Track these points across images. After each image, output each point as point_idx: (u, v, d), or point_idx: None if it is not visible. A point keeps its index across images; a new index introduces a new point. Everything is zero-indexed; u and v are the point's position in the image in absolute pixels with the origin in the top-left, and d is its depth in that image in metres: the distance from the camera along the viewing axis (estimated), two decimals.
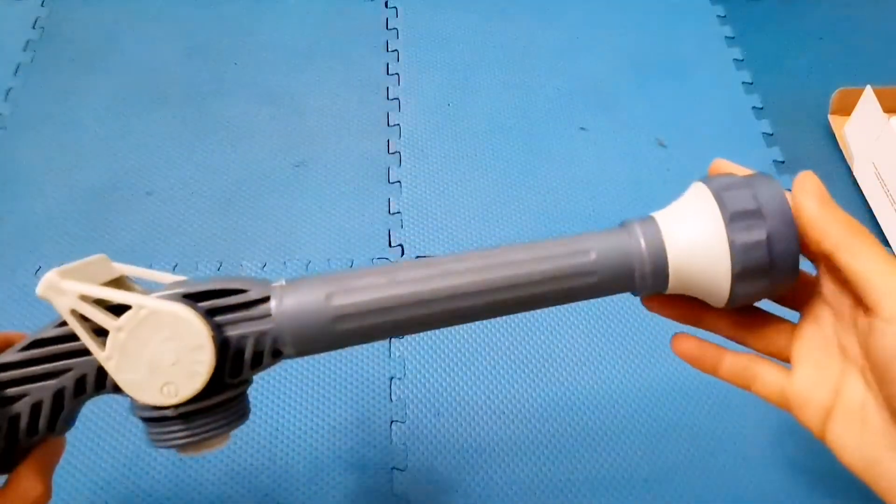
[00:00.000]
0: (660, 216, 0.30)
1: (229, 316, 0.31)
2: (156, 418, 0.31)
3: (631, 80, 0.69)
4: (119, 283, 0.34)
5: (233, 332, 0.31)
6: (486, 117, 0.67)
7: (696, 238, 0.29)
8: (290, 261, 0.57)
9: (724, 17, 0.75)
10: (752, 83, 0.69)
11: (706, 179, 0.30)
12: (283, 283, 0.31)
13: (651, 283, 0.30)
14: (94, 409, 0.50)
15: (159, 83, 0.69)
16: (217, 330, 0.31)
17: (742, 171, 0.31)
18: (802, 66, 0.71)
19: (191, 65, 0.71)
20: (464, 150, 0.64)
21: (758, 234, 0.28)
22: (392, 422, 0.50)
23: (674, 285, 0.30)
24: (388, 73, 0.70)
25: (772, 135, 0.65)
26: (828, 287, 0.30)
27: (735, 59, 0.71)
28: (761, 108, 0.67)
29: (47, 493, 0.31)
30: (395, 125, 0.66)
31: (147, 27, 0.74)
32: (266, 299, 0.31)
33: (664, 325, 0.33)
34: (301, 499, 0.47)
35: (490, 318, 0.31)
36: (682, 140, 0.64)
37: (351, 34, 0.73)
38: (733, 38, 0.73)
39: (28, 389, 0.31)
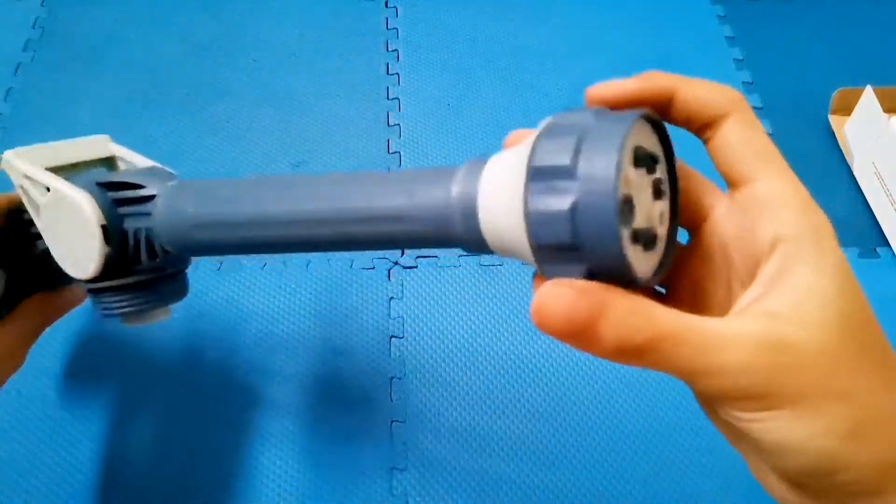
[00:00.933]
0: (496, 157, 0.24)
1: (128, 208, 0.34)
2: (91, 290, 0.35)
3: None
4: (111, 161, 0.39)
5: (129, 224, 0.34)
6: (486, 117, 0.67)
7: (499, 196, 0.23)
8: (290, 260, 0.57)
9: (724, 16, 0.75)
10: (752, 83, 0.69)
11: (567, 111, 0.23)
12: (176, 182, 0.34)
13: (474, 243, 0.25)
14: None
15: (159, 83, 0.69)
16: (118, 219, 0.34)
17: (620, 94, 0.25)
18: (802, 66, 0.71)
19: (191, 65, 0.71)
20: (464, 149, 0.64)
21: (558, 203, 0.21)
22: (392, 421, 0.50)
23: (497, 248, 0.25)
24: (388, 73, 0.70)
25: (772, 134, 0.66)
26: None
27: (735, 59, 0.71)
28: (761, 108, 0.67)
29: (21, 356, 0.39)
30: (395, 125, 0.66)
31: (147, 27, 0.74)
32: (153, 197, 0.33)
33: None
34: (301, 499, 0.47)
35: (328, 250, 0.30)
36: (681, 139, 0.64)
37: (351, 34, 0.73)
38: (733, 37, 0.73)
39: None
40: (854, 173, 0.62)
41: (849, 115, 0.64)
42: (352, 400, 0.51)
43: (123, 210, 0.34)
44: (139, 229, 0.34)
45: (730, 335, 0.20)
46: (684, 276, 0.26)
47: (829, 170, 0.63)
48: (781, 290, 0.21)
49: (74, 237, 0.34)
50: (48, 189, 0.34)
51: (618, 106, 0.24)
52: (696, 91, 0.24)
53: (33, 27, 0.74)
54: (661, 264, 0.24)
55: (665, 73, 0.24)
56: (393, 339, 0.54)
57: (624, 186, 0.21)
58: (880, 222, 0.59)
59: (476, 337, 0.54)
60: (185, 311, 0.54)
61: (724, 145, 0.24)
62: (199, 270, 0.56)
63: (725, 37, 0.73)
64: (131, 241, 0.34)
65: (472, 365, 0.53)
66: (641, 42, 0.73)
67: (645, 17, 0.75)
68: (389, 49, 0.72)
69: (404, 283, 0.56)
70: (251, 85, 0.69)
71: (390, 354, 0.53)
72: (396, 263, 0.57)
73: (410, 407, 0.51)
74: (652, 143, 0.23)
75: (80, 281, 0.35)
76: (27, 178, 0.35)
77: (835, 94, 0.65)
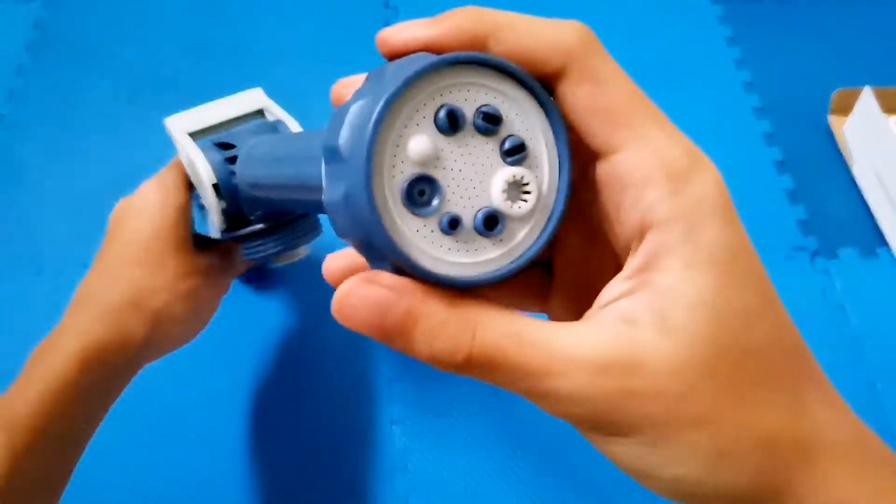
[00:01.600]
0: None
1: (232, 167, 0.38)
2: (234, 238, 0.40)
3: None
4: (261, 114, 0.44)
5: (234, 180, 0.38)
6: None
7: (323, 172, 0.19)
8: None
9: (724, 16, 0.75)
10: (751, 83, 0.69)
11: (383, 64, 0.19)
12: (258, 139, 0.38)
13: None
14: None
15: (161, 82, 0.69)
16: (229, 176, 0.38)
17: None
18: (802, 66, 0.71)
19: (191, 64, 0.71)
20: None
21: (336, 191, 0.17)
22: (392, 423, 0.50)
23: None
24: None
25: (771, 135, 0.66)
26: None
27: (735, 59, 0.71)
28: (761, 108, 0.67)
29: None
30: None
31: (147, 27, 0.74)
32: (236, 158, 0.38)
33: None
34: (300, 500, 0.47)
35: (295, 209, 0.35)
36: None
37: (351, 33, 0.73)
38: (733, 38, 0.73)
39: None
40: (853, 174, 0.63)
41: (848, 115, 0.64)
42: (351, 400, 0.51)
43: (231, 168, 0.38)
44: (237, 185, 0.38)
45: (569, 354, 0.17)
46: (568, 257, 0.22)
47: (828, 170, 0.63)
48: (643, 290, 0.17)
49: (204, 192, 0.39)
50: (183, 148, 0.40)
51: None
52: (514, 41, 0.18)
53: (35, 28, 0.74)
54: (527, 250, 0.18)
55: (475, 10, 0.18)
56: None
57: (410, 164, 0.17)
58: (879, 223, 0.59)
59: None
60: None
61: (568, 112, 0.18)
62: None
63: (725, 37, 0.73)
64: (240, 196, 0.38)
65: None
66: (641, 42, 0.73)
67: (645, 17, 0.75)
68: None
69: None
70: (251, 84, 0.69)
71: (390, 354, 0.53)
72: None
73: (410, 407, 0.51)
74: (494, 94, 0.18)
75: (222, 233, 0.40)
76: (174, 140, 0.41)
77: (834, 95, 0.66)
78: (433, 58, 0.17)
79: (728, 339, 0.17)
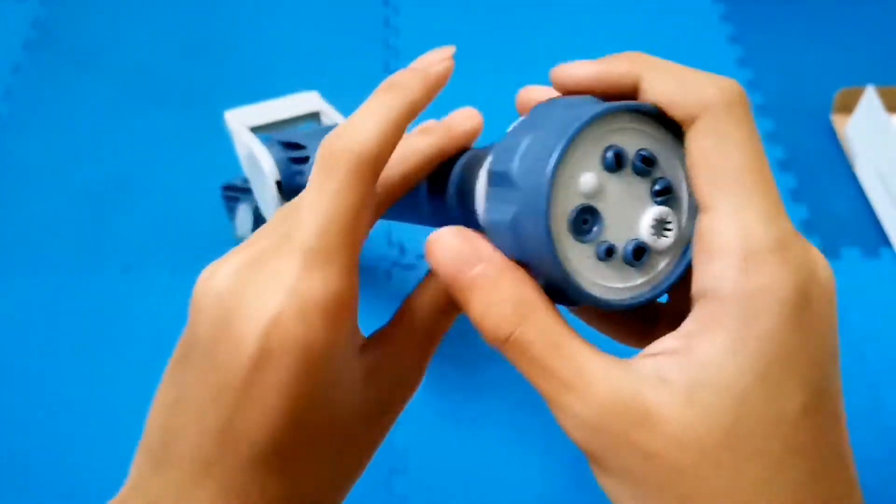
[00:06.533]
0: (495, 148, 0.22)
1: (297, 167, 0.38)
2: None
3: None
4: (316, 117, 0.44)
5: (298, 180, 0.38)
6: (487, 115, 0.67)
7: (481, 193, 0.22)
8: None
9: (726, 15, 0.75)
10: (753, 82, 0.69)
11: (555, 99, 0.21)
12: None
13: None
14: None
15: (159, 82, 0.69)
16: (292, 175, 0.38)
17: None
18: (804, 65, 0.71)
19: (191, 64, 0.71)
20: None
21: (503, 213, 0.19)
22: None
23: None
24: (388, 71, 0.70)
25: (774, 134, 0.65)
26: None
27: (737, 58, 0.71)
28: (763, 107, 0.67)
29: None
30: None
31: (147, 27, 0.74)
32: (308, 159, 0.38)
33: None
34: None
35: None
36: None
37: (350, 32, 0.73)
38: (735, 36, 0.73)
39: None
40: (856, 173, 0.62)
41: (851, 114, 0.64)
42: None
43: (295, 168, 0.38)
44: (302, 186, 0.37)
45: (593, 381, 0.18)
46: (679, 292, 0.22)
47: (830, 170, 0.63)
48: (684, 355, 0.17)
49: (262, 187, 0.39)
50: (245, 146, 0.40)
51: (580, 94, 0.20)
52: (660, 87, 0.19)
53: (33, 27, 0.74)
54: (668, 277, 0.20)
55: (635, 55, 0.20)
56: None
57: (578, 196, 0.19)
58: (882, 222, 0.59)
59: (476, 334, 0.54)
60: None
61: (688, 160, 0.19)
62: (198, 271, 0.56)
63: (727, 35, 0.73)
64: None
65: (473, 364, 0.52)
66: (642, 41, 0.72)
67: (646, 16, 0.75)
68: (389, 47, 0.72)
69: (404, 283, 0.56)
70: (251, 84, 0.69)
71: None
72: (396, 263, 0.57)
73: (410, 407, 0.50)
74: (649, 139, 0.20)
75: None
76: (235, 134, 0.42)
77: (837, 94, 0.65)
78: (605, 105, 0.19)
79: (744, 432, 0.17)
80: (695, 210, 0.20)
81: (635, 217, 0.20)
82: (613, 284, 0.20)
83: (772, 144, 0.65)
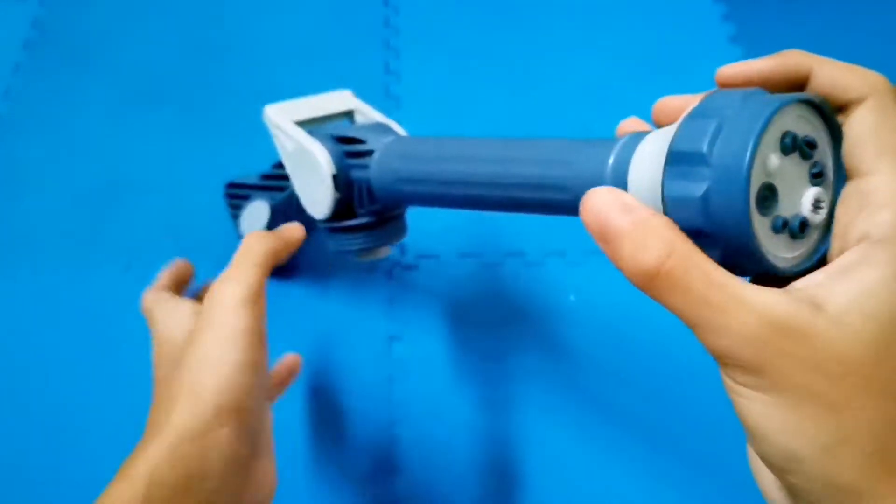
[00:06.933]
0: (651, 135, 0.25)
1: (354, 160, 0.39)
2: (330, 230, 0.41)
3: (633, 79, 0.69)
4: (350, 115, 0.45)
5: (354, 174, 0.39)
6: (486, 115, 0.67)
7: (645, 174, 0.24)
8: None
9: (727, 15, 0.75)
10: None
11: (716, 91, 0.24)
12: (392, 139, 0.38)
13: None
14: None
15: (159, 82, 0.69)
16: (346, 169, 0.39)
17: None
18: None
19: (190, 64, 0.71)
20: None
21: (691, 189, 0.21)
22: (392, 423, 0.50)
23: None
24: (387, 72, 0.70)
25: None
26: None
27: (737, 59, 0.71)
28: None
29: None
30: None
31: (146, 26, 0.74)
32: (371, 152, 0.38)
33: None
34: (300, 502, 0.47)
35: (499, 210, 0.32)
36: None
37: (350, 32, 0.73)
38: (735, 36, 0.73)
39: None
40: None
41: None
42: (351, 400, 0.51)
43: (351, 161, 0.39)
44: (361, 179, 0.38)
45: (748, 300, 0.20)
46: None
47: None
48: (837, 281, 0.20)
49: (312, 182, 0.40)
50: (293, 138, 0.40)
51: (748, 86, 0.23)
52: (832, 72, 0.23)
53: (32, 26, 0.74)
54: (816, 250, 0.23)
55: (801, 52, 0.23)
56: (393, 339, 0.53)
57: (763, 175, 0.21)
58: None
59: (477, 337, 0.54)
60: None
61: (851, 133, 0.22)
62: (199, 272, 0.56)
63: (727, 36, 0.73)
64: (355, 189, 0.39)
65: (473, 365, 0.52)
66: (643, 40, 0.72)
67: (647, 16, 0.75)
68: (390, 47, 0.72)
69: (404, 283, 0.56)
70: (251, 83, 0.69)
71: (390, 355, 0.53)
72: (397, 264, 0.57)
73: (410, 408, 0.50)
74: (810, 127, 0.22)
75: (320, 221, 0.41)
76: (279, 129, 0.41)
77: None
78: (790, 95, 0.22)
79: (890, 355, 0.19)
80: (837, 190, 0.23)
81: (799, 195, 0.22)
82: (782, 254, 0.22)
83: None
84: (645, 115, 0.70)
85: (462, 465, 0.48)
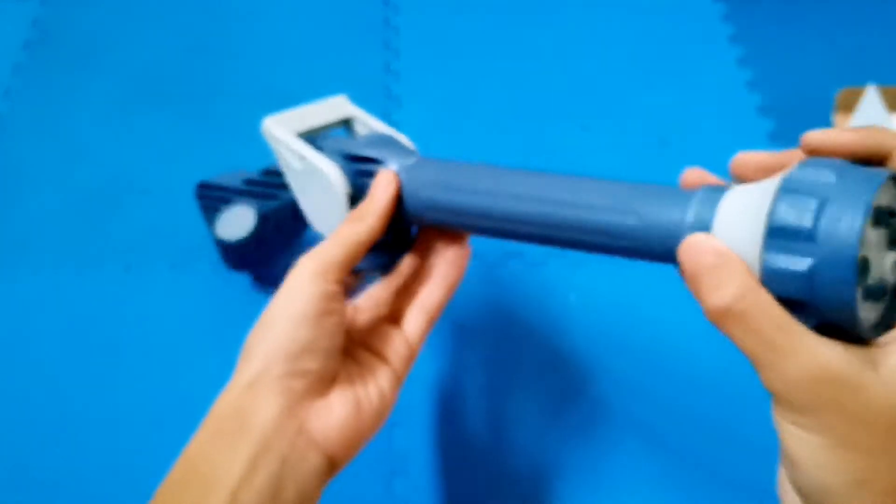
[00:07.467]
0: (733, 194, 0.26)
1: (370, 180, 0.37)
2: None
3: (633, 79, 0.69)
4: (348, 123, 0.43)
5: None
6: (487, 115, 0.67)
7: (735, 236, 0.24)
8: None
9: (726, 15, 0.75)
10: (754, 82, 0.69)
11: (808, 161, 0.24)
12: (413, 161, 0.37)
13: None
14: None
15: (159, 82, 0.69)
16: (361, 188, 0.37)
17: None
18: (805, 65, 0.71)
19: (190, 64, 0.71)
20: (464, 147, 0.64)
21: (795, 263, 0.22)
22: (392, 424, 0.50)
23: None
24: (388, 71, 0.70)
25: (775, 133, 0.65)
26: None
27: (737, 58, 0.71)
28: (764, 107, 0.67)
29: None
30: (395, 123, 0.66)
31: (146, 26, 0.74)
32: None
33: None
34: None
35: (546, 244, 0.32)
36: (684, 139, 0.64)
37: (351, 31, 0.73)
38: (735, 36, 0.73)
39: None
40: None
41: (852, 114, 0.64)
42: None
43: (367, 181, 0.37)
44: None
45: (812, 348, 0.21)
46: None
47: None
48: (894, 345, 0.22)
49: (323, 201, 0.38)
50: (302, 156, 0.38)
51: (831, 155, 0.25)
52: None
53: (33, 26, 0.74)
54: (888, 311, 0.24)
55: (884, 131, 0.25)
56: None
57: (861, 248, 0.21)
58: None
59: (477, 340, 0.54)
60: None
61: None
62: (199, 272, 0.56)
63: (727, 35, 0.73)
64: None
65: (474, 365, 0.52)
66: (643, 40, 0.72)
67: (647, 16, 0.75)
68: (390, 47, 0.72)
69: None
70: (250, 83, 0.69)
71: None
72: None
73: (411, 409, 0.50)
74: (891, 197, 0.23)
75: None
76: (282, 145, 0.39)
77: (838, 93, 0.65)
78: (887, 171, 0.23)
79: None
80: None
81: (882, 261, 0.23)
82: (868, 317, 0.23)
83: (773, 144, 0.64)
84: (645, 116, 0.69)
85: (462, 465, 0.48)
